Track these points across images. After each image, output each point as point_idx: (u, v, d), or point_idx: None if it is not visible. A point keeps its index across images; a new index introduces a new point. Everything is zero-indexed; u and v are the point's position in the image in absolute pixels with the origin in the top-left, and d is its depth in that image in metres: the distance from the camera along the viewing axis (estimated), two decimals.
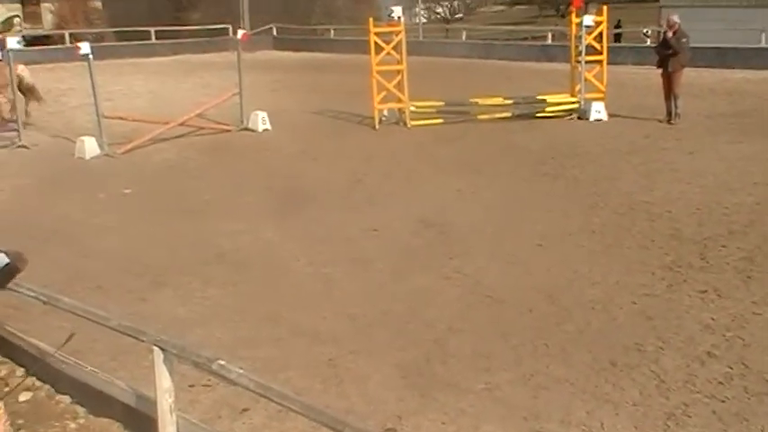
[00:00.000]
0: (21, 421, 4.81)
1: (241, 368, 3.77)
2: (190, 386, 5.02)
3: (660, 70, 14.67)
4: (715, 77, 19.91)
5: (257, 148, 13.75)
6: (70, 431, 4.80)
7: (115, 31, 36.48)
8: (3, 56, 13.73)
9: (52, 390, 5.14)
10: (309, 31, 40.73)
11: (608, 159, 12.00)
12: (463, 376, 5.42)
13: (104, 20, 40.12)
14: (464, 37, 32.46)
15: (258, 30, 33.92)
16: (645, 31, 30.68)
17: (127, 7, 39.91)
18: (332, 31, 36.24)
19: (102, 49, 25.66)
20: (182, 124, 14.66)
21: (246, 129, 15.10)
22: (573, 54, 15.93)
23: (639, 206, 9.43)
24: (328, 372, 5.54)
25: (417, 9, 40.11)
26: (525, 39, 36.34)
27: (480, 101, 15.64)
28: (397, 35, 15.15)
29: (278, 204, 9.98)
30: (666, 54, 14.39)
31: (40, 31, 36.97)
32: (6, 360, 5.54)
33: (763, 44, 22.95)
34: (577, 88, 15.55)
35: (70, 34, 32.56)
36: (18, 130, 13.95)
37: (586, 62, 15.35)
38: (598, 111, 15.18)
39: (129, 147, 13.42)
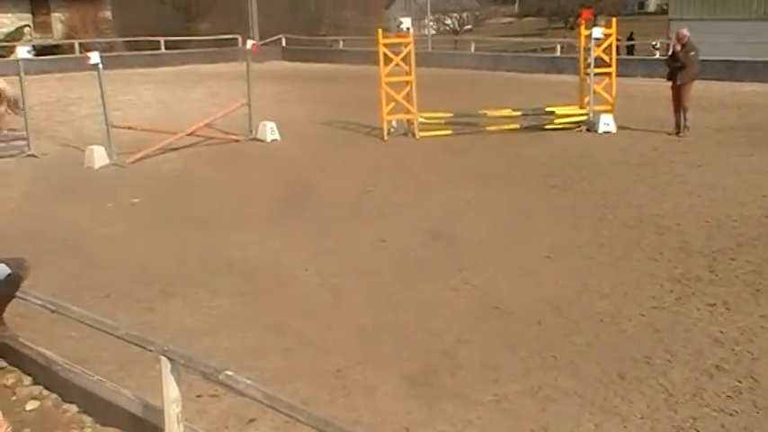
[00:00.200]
0: (27, 430, 4.81)
1: (248, 378, 3.77)
2: (197, 396, 5.01)
3: (670, 83, 14.69)
4: (724, 90, 19.91)
5: (266, 159, 13.78)
6: None
7: (125, 41, 36.81)
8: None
9: (59, 399, 5.13)
10: (318, 42, 41.05)
11: (617, 172, 11.97)
12: (471, 388, 5.40)
13: (114, 30, 40.46)
14: (473, 48, 32.55)
15: (267, 40, 34.09)
16: (654, 43, 30.72)
17: (136, 17, 40.29)
18: (341, 42, 36.42)
19: (112, 58, 25.88)
20: (190, 134, 14.71)
21: (255, 139, 15.14)
22: (582, 66, 15.91)
23: (648, 219, 9.40)
24: (336, 382, 5.52)
25: (426, 20, 40.18)
26: (534, 51, 36.48)
27: (489, 112, 15.65)
28: (406, 46, 15.17)
29: (286, 214, 9.98)
30: (675, 67, 14.40)
31: (50, 41, 37.28)
32: (14, 369, 5.55)
33: None
34: (586, 100, 15.53)
35: (80, 44, 32.82)
36: (27, 139, 14.01)
37: (595, 74, 15.35)
38: (607, 123, 15.16)
39: (137, 156, 13.46)
